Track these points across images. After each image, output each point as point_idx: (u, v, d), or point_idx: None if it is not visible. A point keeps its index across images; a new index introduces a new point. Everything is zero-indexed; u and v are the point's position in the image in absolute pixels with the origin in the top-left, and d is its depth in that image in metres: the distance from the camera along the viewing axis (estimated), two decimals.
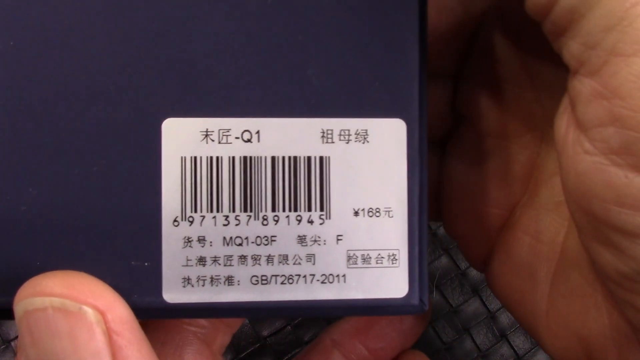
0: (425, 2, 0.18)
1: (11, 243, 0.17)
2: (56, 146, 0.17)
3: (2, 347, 0.32)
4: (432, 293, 0.35)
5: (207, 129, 0.18)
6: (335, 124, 0.18)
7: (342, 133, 0.18)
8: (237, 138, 0.18)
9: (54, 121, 0.17)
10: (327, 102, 0.18)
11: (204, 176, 0.18)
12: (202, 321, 0.23)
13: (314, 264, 0.18)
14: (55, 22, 0.17)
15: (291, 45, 0.18)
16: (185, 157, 0.18)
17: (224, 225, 0.18)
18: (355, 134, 0.18)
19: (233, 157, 0.18)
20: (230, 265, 0.18)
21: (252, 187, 0.18)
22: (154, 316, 0.18)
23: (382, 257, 0.18)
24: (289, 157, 0.18)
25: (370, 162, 0.18)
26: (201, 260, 0.18)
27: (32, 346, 0.16)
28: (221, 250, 0.18)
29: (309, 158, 0.18)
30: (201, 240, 0.18)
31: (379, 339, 0.26)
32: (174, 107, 0.18)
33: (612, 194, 0.16)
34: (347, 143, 0.18)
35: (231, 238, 0.18)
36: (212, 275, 0.18)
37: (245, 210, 0.18)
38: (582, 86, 0.16)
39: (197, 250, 0.18)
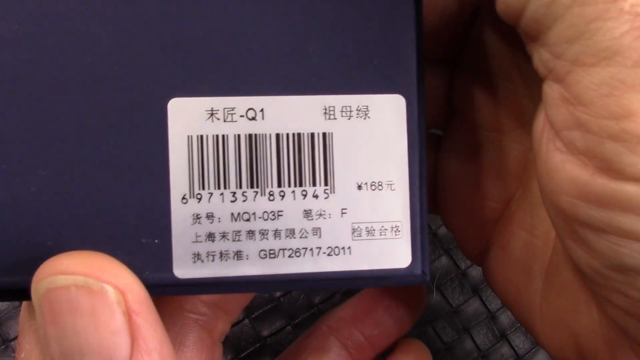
0: None
1: (23, 224, 0.18)
2: (64, 128, 0.18)
3: (2, 347, 0.32)
4: (432, 293, 0.35)
5: (212, 108, 0.18)
6: (337, 100, 0.18)
7: (344, 109, 0.19)
8: (242, 116, 0.18)
9: (61, 103, 0.18)
10: (328, 79, 0.18)
11: (211, 154, 0.18)
12: (203, 308, 0.24)
13: (320, 237, 0.19)
14: (60, 4, 0.18)
15: (292, 24, 0.18)
16: (191, 136, 0.18)
17: (232, 201, 0.18)
18: (357, 110, 0.19)
19: (238, 135, 0.18)
20: (238, 240, 0.18)
21: (257, 164, 0.18)
22: (166, 292, 0.18)
23: (386, 229, 0.19)
24: (293, 134, 0.18)
25: (371, 137, 0.19)
26: (210, 236, 0.18)
27: (53, 323, 0.16)
28: (229, 226, 0.18)
29: (312, 134, 0.18)
30: (209, 216, 0.18)
31: (375, 325, 0.27)
32: (180, 87, 0.18)
33: (578, 189, 0.16)
34: (349, 119, 0.19)
35: (239, 214, 0.18)
36: (221, 251, 0.18)
37: (252, 187, 0.18)
38: (551, 90, 0.17)
39: (206, 227, 0.18)
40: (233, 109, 0.18)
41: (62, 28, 0.18)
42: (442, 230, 0.36)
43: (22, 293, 0.18)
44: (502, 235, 0.23)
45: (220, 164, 0.18)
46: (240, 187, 0.18)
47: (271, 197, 0.18)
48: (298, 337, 0.28)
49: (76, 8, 0.18)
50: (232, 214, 0.18)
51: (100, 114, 0.18)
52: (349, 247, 0.19)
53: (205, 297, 0.24)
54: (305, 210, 0.19)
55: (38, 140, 0.18)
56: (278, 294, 0.34)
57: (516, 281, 0.23)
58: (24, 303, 0.20)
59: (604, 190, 0.16)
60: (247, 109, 0.18)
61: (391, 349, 0.28)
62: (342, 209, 0.19)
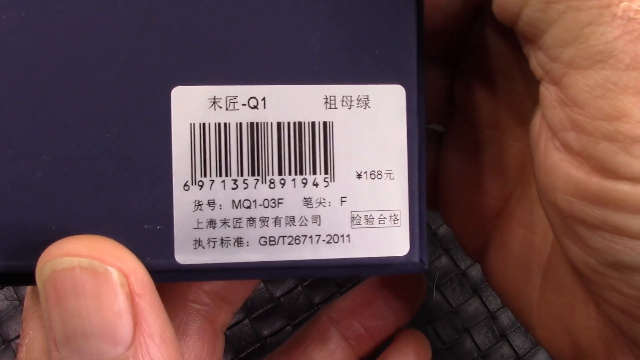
0: None
1: (27, 209, 0.18)
2: (69, 115, 0.18)
3: (2, 347, 0.32)
4: (432, 293, 0.35)
5: (214, 97, 0.18)
6: (338, 90, 0.19)
7: (345, 99, 0.19)
8: (243, 105, 0.18)
9: (65, 90, 0.18)
10: (329, 69, 0.19)
11: (213, 142, 0.18)
12: (205, 298, 0.24)
13: (319, 225, 0.19)
14: None
15: (294, 14, 0.18)
16: (194, 124, 0.18)
17: (233, 189, 0.19)
18: (357, 99, 0.19)
19: (240, 123, 0.18)
20: (239, 227, 0.19)
21: (259, 152, 0.19)
22: (167, 278, 0.18)
23: (385, 218, 0.19)
24: (294, 123, 0.19)
25: (371, 127, 0.19)
26: (211, 223, 0.18)
27: (57, 305, 0.16)
28: (230, 213, 0.19)
29: (313, 123, 0.19)
30: (211, 203, 0.18)
31: (375, 317, 0.27)
32: (183, 75, 0.18)
33: (574, 188, 0.17)
34: (350, 108, 0.19)
35: (240, 201, 0.19)
36: (222, 237, 0.19)
37: (253, 174, 0.19)
38: (547, 92, 0.17)
39: (207, 213, 0.18)
40: (235, 97, 0.18)
41: (67, 17, 0.18)
42: (442, 230, 0.36)
43: (27, 277, 0.18)
44: (501, 233, 0.23)
45: (222, 151, 0.18)
46: (242, 175, 0.19)
47: (272, 185, 0.19)
48: (299, 328, 0.28)
49: None
50: (233, 201, 0.19)
51: (104, 102, 0.18)
52: (348, 235, 0.19)
53: (207, 287, 0.24)
54: (305, 198, 0.19)
55: (43, 127, 0.18)
56: (278, 294, 0.34)
57: (514, 278, 0.23)
58: (28, 290, 0.20)
59: (598, 189, 0.16)
60: (249, 97, 0.19)
61: (390, 339, 0.28)
62: (342, 197, 0.19)
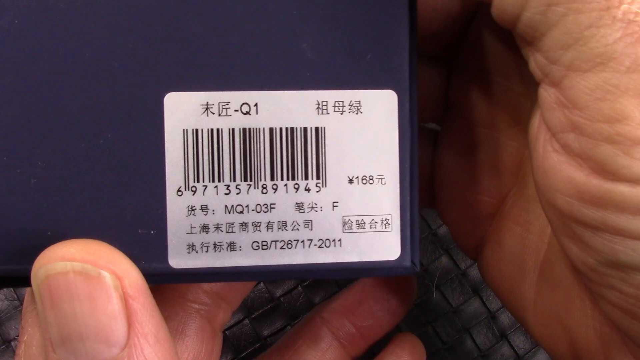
0: None
1: (24, 215, 0.18)
2: (63, 121, 0.18)
3: (2, 347, 0.32)
4: (432, 293, 0.35)
5: (207, 103, 0.18)
6: (330, 95, 0.19)
7: (337, 104, 0.19)
8: (236, 111, 0.18)
9: (59, 97, 0.18)
10: (321, 74, 0.18)
11: (206, 147, 0.18)
12: (205, 298, 0.24)
13: (311, 229, 0.19)
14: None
15: (286, 20, 0.18)
16: (187, 130, 0.18)
17: (226, 194, 0.18)
18: (349, 105, 0.19)
19: (233, 129, 0.18)
20: (232, 232, 0.19)
21: (251, 158, 0.18)
22: (162, 281, 0.19)
23: (376, 222, 0.19)
24: (286, 128, 0.19)
25: (363, 132, 0.19)
26: (204, 228, 0.18)
27: (52, 308, 0.16)
28: (223, 218, 0.18)
29: (305, 129, 0.19)
30: (204, 208, 0.18)
31: (366, 316, 0.27)
32: (175, 82, 0.18)
33: (574, 189, 0.16)
34: (342, 114, 0.19)
35: (232, 206, 0.19)
36: (215, 242, 0.18)
37: (246, 180, 0.18)
38: (547, 94, 0.17)
39: (200, 218, 0.18)
40: (228, 103, 0.18)
41: (61, 23, 0.18)
42: (442, 230, 0.36)
43: (24, 280, 0.18)
44: (497, 231, 0.23)
45: (214, 157, 0.18)
46: (234, 180, 0.18)
47: (264, 190, 0.19)
48: (292, 328, 0.28)
49: (73, 4, 0.18)
50: (226, 206, 0.19)
51: (97, 108, 0.18)
52: (339, 240, 0.19)
53: (206, 287, 0.24)
54: (297, 203, 0.19)
55: (37, 134, 0.18)
56: (278, 294, 0.34)
57: (510, 276, 0.23)
58: (28, 289, 0.20)
59: (599, 191, 0.16)
60: (241, 103, 0.18)
61: (385, 342, 0.28)
62: (334, 202, 0.19)
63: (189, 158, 0.18)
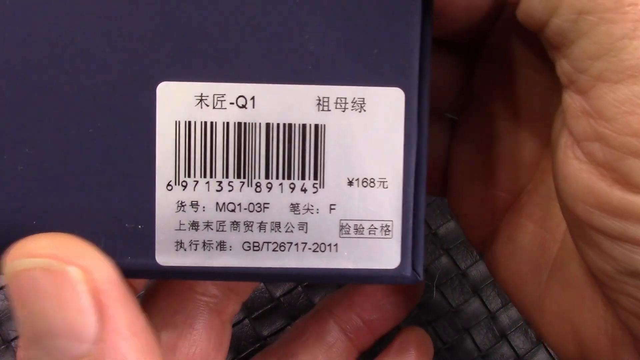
0: None
1: (8, 203, 0.17)
2: (52, 108, 0.17)
3: (2, 347, 0.31)
4: (432, 293, 0.34)
5: (202, 94, 0.17)
6: (332, 91, 0.17)
7: (339, 101, 0.17)
8: (231, 104, 0.17)
9: (50, 83, 0.17)
10: (324, 69, 0.17)
11: (198, 141, 0.17)
12: (215, 291, 0.23)
13: (306, 232, 0.17)
14: None
15: (288, 10, 0.17)
16: (179, 122, 0.17)
17: (217, 190, 0.17)
18: (352, 102, 0.17)
19: (227, 123, 0.17)
20: (222, 230, 0.17)
21: (245, 154, 0.17)
22: (148, 277, 0.18)
23: (375, 228, 0.17)
24: (284, 125, 0.17)
25: (366, 132, 0.17)
26: (194, 225, 0.17)
27: (21, 307, 0.15)
28: (214, 216, 0.17)
29: (303, 126, 0.17)
30: (194, 205, 0.17)
31: (373, 310, 0.26)
32: (169, 70, 0.17)
33: (594, 199, 0.16)
34: (344, 111, 0.17)
35: (224, 204, 0.17)
36: (204, 240, 0.17)
37: (239, 177, 0.17)
38: (572, 101, 0.16)
39: (190, 215, 0.17)
40: (223, 95, 0.17)
41: (51, 6, 0.17)
42: (442, 230, 0.35)
43: None
44: (509, 225, 0.22)
45: (207, 151, 0.17)
46: (227, 177, 0.17)
47: (258, 189, 0.17)
48: (299, 320, 0.28)
49: None
50: (217, 203, 0.17)
51: (88, 95, 0.17)
52: (335, 244, 0.17)
53: None
54: (292, 204, 0.17)
55: (26, 120, 0.17)
56: (278, 294, 0.33)
57: (520, 272, 0.22)
58: None
59: (621, 202, 0.15)
60: (237, 96, 0.17)
61: (391, 335, 0.27)
62: (331, 205, 0.17)
63: (181, 151, 0.17)
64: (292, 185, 0.17)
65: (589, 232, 0.17)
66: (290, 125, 0.17)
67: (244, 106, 0.17)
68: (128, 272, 0.17)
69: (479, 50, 0.22)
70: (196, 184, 0.17)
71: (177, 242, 0.17)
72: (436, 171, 0.25)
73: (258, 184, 0.17)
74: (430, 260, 0.35)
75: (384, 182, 0.17)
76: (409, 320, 0.32)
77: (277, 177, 0.17)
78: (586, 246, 0.17)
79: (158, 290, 0.23)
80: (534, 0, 0.16)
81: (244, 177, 0.17)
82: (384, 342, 0.27)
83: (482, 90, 0.22)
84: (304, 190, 0.17)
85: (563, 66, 0.16)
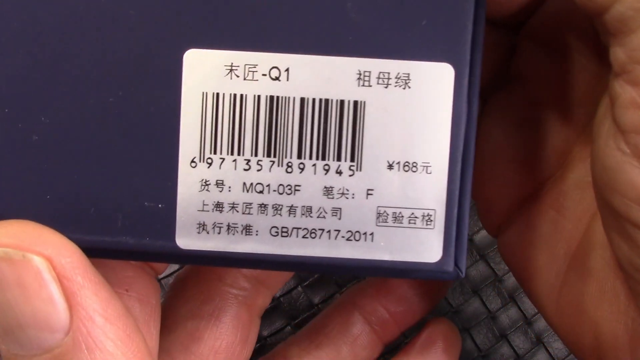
0: None
1: (20, 175, 0.15)
2: (71, 75, 0.15)
3: None
4: None
5: (232, 63, 0.15)
6: (374, 65, 0.15)
7: (381, 76, 0.15)
8: (264, 75, 0.15)
9: (69, 48, 0.15)
10: (366, 40, 0.15)
11: (226, 115, 0.15)
12: (244, 283, 0.22)
13: (339, 218, 0.15)
14: None
15: None
16: (206, 93, 0.15)
17: (245, 170, 0.15)
18: (396, 77, 0.15)
19: (259, 96, 0.15)
20: (249, 213, 0.15)
21: (277, 130, 0.15)
22: (166, 261, 0.16)
23: (416, 217, 0.15)
24: (320, 100, 0.15)
25: (410, 110, 0.15)
26: (218, 206, 0.15)
27: None
28: (240, 197, 0.15)
29: (342, 102, 0.15)
30: (219, 184, 0.15)
31: (400, 302, 0.24)
32: (198, 37, 0.15)
33: (636, 194, 0.15)
34: (386, 87, 0.15)
35: (252, 184, 0.15)
36: (229, 223, 0.15)
37: (269, 155, 0.15)
38: (622, 91, 0.15)
39: (214, 195, 0.15)
40: (255, 66, 0.15)
41: None
42: None
43: None
44: (529, 212, 0.21)
45: (235, 127, 0.15)
46: (256, 155, 0.15)
47: (289, 169, 0.15)
48: (322, 310, 0.26)
49: None
50: (245, 183, 0.15)
51: (110, 62, 0.15)
52: (371, 233, 0.15)
53: (246, 270, 0.22)
54: (325, 187, 0.15)
55: (42, 86, 0.15)
56: (278, 294, 0.32)
57: (536, 260, 0.21)
58: None
59: None
60: (270, 67, 0.15)
61: (418, 327, 0.25)
62: (368, 190, 0.15)
63: (207, 125, 0.15)
64: (326, 167, 0.15)
65: (625, 225, 0.16)
66: (327, 100, 0.15)
67: (277, 78, 0.15)
68: (145, 255, 0.15)
69: (522, 29, 0.21)
70: (222, 162, 0.15)
71: (199, 224, 0.15)
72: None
73: (289, 164, 0.15)
74: None
75: (427, 166, 0.15)
76: None
77: (311, 158, 0.15)
78: (620, 238, 0.16)
79: (187, 279, 0.22)
80: None
81: (275, 156, 0.15)
82: (408, 334, 0.26)
83: (523, 71, 0.21)
84: (339, 172, 0.15)
85: (617, 54, 0.15)
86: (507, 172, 0.21)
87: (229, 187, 0.15)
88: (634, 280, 0.16)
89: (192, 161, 0.15)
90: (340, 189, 0.15)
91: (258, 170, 0.15)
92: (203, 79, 0.15)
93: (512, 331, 0.32)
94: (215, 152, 0.15)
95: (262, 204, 0.15)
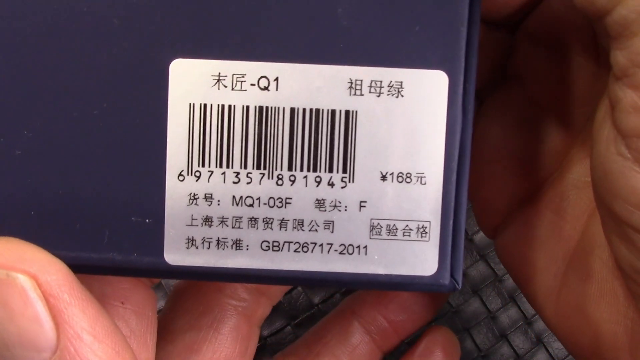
0: None
1: (3, 189, 0.14)
2: (54, 88, 0.14)
3: None
4: None
5: (219, 73, 0.14)
6: (366, 73, 0.14)
7: (373, 84, 0.14)
8: (252, 85, 0.14)
9: (51, 58, 0.14)
10: (357, 47, 0.14)
11: (214, 126, 0.14)
12: (244, 294, 0.21)
13: (332, 231, 0.14)
14: None
15: None
16: (194, 104, 0.14)
17: (234, 182, 0.14)
18: (388, 86, 0.14)
19: (247, 107, 0.14)
20: (239, 227, 0.14)
21: (267, 142, 0.14)
22: (155, 276, 0.15)
23: (410, 229, 0.14)
24: (311, 110, 0.14)
25: (403, 120, 0.14)
26: (207, 220, 0.14)
27: None
28: (230, 211, 0.14)
29: (333, 111, 0.14)
30: (208, 198, 0.14)
31: (399, 310, 0.24)
32: (184, 46, 0.14)
33: (636, 199, 0.15)
34: (378, 96, 0.14)
35: (241, 197, 0.14)
36: (218, 238, 0.14)
37: (259, 168, 0.14)
38: (623, 94, 0.15)
39: (203, 209, 0.14)
40: (243, 75, 0.14)
41: None
42: None
43: None
44: (526, 213, 0.20)
45: (224, 138, 0.14)
46: (245, 168, 0.14)
47: (279, 182, 0.14)
48: (322, 319, 0.25)
49: None
50: (234, 197, 0.14)
51: (93, 73, 0.14)
52: (365, 247, 0.14)
53: None
54: (317, 200, 0.14)
55: (25, 98, 0.14)
56: None
57: (534, 261, 0.20)
58: None
59: None
60: (259, 76, 0.14)
61: (417, 335, 0.25)
62: (361, 202, 0.14)
63: (194, 138, 0.14)
64: (317, 179, 0.14)
65: (626, 230, 0.15)
66: (317, 110, 0.14)
67: (266, 88, 0.14)
68: (134, 271, 0.14)
69: (519, 28, 0.20)
70: (211, 175, 0.14)
71: (188, 239, 0.14)
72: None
73: (280, 177, 0.14)
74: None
75: (421, 177, 0.14)
76: None
77: (302, 169, 0.14)
78: (620, 241, 0.16)
79: (185, 290, 0.21)
80: None
81: (264, 169, 0.14)
82: (406, 338, 0.25)
83: (520, 70, 0.20)
84: (331, 184, 0.14)
85: (618, 58, 0.14)
86: (504, 173, 0.21)
87: (218, 201, 0.14)
88: (635, 283, 0.16)
89: (180, 174, 0.14)
90: (332, 201, 0.14)
91: (248, 183, 0.14)
92: (190, 90, 0.14)
93: (512, 331, 0.31)
94: (203, 165, 0.14)
95: (253, 217, 0.14)
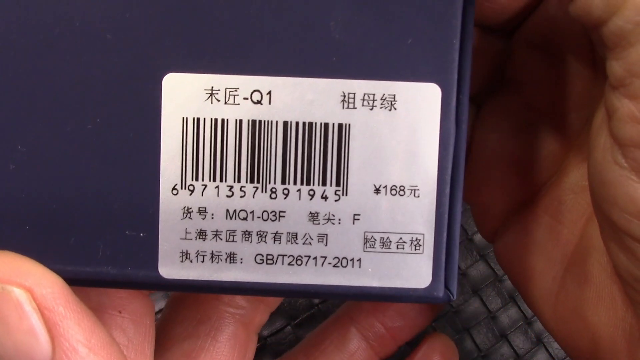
0: None
1: None
2: (48, 102, 0.14)
3: None
4: None
5: (212, 87, 0.14)
6: (359, 86, 0.14)
7: (366, 97, 0.14)
8: (245, 99, 0.14)
9: (44, 73, 0.14)
10: (350, 60, 0.14)
11: (207, 140, 0.14)
12: (242, 302, 0.20)
13: (326, 245, 0.14)
14: None
15: None
16: (187, 118, 0.14)
17: (228, 196, 0.14)
18: (381, 99, 0.14)
19: (240, 120, 0.14)
20: (232, 241, 0.14)
21: (260, 156, 0.14)
22: (150, 289, 0.15)
23: (404, 242, 0.14)
24: (304, 123, 0.14)
25: (396, 133, 0.14)
26: (201, 234, 0.14)
27: None
28: (223, 224, 0.14)
29: (326, 125, 0.14)
30: (202, 211, 0.14)
31: (397, 317, 0.23)
32: (177, 60, 0.14)
33: (635, 208, 0.14)
34: (371, 109, 0.14)
35: (235, 211, 0.14)
36: (212, 251, 0.14)
37: (252, 181, 0.14)
38: (619, 104, 0.14)
39: (197, 223, 0.14)
40: (236, 89, 0.14)
41: None
42: None
43: None
44: (524, 217, 0.20)
45: (217, 152, 0.14)
46: (239, 181, 0.14)
47: (273, 195, 0.14)
48: (319, 325, 0.25)
49: None
50: (228, 210, 0.14)
51: (87, 87, 0.14)
52: (358, 259, 0.14)
53: None
54: (311, 213, 0.14)
55: (18, 113, 0.14)
56: None
57: (533, 265, 0.20)
58: None
59: None
60: (252, 90, 0.14)
61: (415, 342, 0.24)
62: (355, 215, 0.14)
63: (188, 152, 0.14)
64: (311, 192, 0.14)
65: (624, 238, 0.15)
66: (310, 124, 0.14)
67: (259, 102, 0.14)
68: (128, 284, 0.14)
69: (516, 33, 0.19)
70: (204, 189, 0.14)
71: (182, 252, 0.14)
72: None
73: (273, 190, 0.14)
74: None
75: (415, 190, 0.14)
76: None
77: (295, 183, 0.14)
78: (618, 249, 0.15)
79: (183, 298, 0.21)
80: None
81: (258, 182, 0.14)
82: (404, 344, 0.25)
83: (517, 75, 0.20)
84: (324, 197, 0.14)
85: (614, 67, 0.14)
86: (502, 177, 0.20)
87: (212, 215, 0.14)
88: (633, 290, 0.16)
89: (174, 188, 0.14)
90: (326, 214, 0.14)
91: (241, 197, 0.14)
92: (183, 104, 0.14)
93: (512, 331, 0.31)
94: (197, 179, 0.14)
95: (246, 231, 0.14)
